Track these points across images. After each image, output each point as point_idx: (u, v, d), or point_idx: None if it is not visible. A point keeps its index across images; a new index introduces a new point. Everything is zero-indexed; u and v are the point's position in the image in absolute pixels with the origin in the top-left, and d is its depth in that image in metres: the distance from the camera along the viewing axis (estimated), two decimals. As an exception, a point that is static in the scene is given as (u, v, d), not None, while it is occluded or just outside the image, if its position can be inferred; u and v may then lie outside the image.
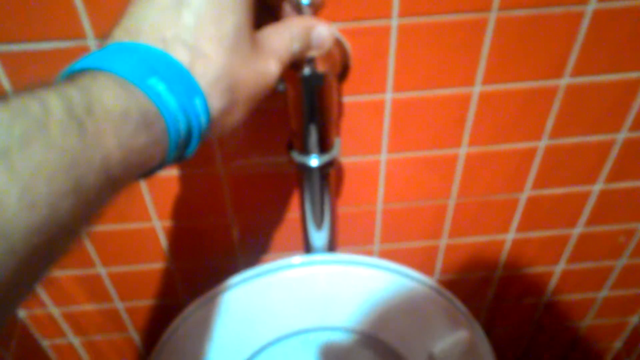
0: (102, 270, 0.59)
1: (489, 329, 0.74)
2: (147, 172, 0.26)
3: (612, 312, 0.73)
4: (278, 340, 0.53)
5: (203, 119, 0.26)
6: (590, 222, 0.60)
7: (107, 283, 0.61)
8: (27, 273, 0.20)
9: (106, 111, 0.22)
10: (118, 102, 0.22)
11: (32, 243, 0.19)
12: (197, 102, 0.26)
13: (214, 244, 0.58)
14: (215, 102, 0.27)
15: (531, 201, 0.57)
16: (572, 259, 0.64)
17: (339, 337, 0.56)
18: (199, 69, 0.26)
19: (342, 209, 0.56)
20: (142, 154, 0.23)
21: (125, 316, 0.66)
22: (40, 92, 0.20)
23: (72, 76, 0.23)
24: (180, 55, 0.26)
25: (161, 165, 0.27)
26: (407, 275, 0.51)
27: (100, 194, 0.22)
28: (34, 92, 0.20)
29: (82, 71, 0.23)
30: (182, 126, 0.25)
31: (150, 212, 0.54)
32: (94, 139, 0.21)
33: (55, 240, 0.20)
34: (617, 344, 0.79)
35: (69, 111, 0.20)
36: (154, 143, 0.24)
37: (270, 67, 0.30)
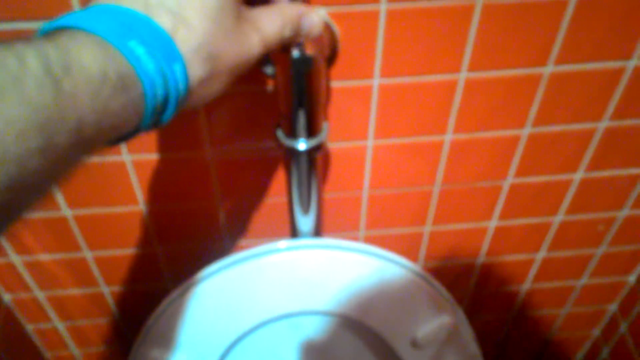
0: (88, 254, 0.59)
1: (470, 317, 0.75)
2: (122, 137, 0.26)
3: (591, 300, 0.75)
4: (263, 324, 0.53)
5: (181, 86, 0.26)
6: (570, 210, 0.61)
7: (93, 267, 0.61)
8: None
9: (84, 71, 0.21)
10: (96, 62, 0.22)
11: None
12: (177, 68, 0.26)
13: (200, 229, 0.58)
14: (195, 70, 0.27)
15: (514, 189, 0.58)
16: (553, 246, 0.66)
17: (323, 322, 0.57)
18: (180, 35, 0.26)
19: (329, 194, 0.56)
20: (117, 117, 0.23)
21: (110, 301, 0.66)
22: (17, 47, 0.20)
23: (51, 34, 0.23)
24: (163, 20, 0.25)
25: (136, 130, 0.26)
26: (391, 261, 0.51)
27: (71, 154, 0.21)
28: (10, 46, 0.20)
29: (61, 29, 0.23)
30: (160, 91, 0.25)
31: (137, 196, 0.54)
32: (70, 98, 0.21)
33: (21, 198, 0.20)
34: (596, 332, 0.81)
35: (46, 68, 0.20)
36: (130, 107, 0.24)
37: (252, 43, 0.30)
